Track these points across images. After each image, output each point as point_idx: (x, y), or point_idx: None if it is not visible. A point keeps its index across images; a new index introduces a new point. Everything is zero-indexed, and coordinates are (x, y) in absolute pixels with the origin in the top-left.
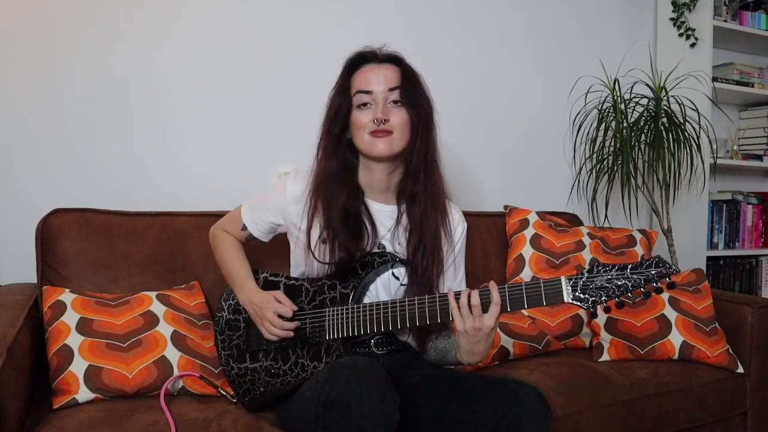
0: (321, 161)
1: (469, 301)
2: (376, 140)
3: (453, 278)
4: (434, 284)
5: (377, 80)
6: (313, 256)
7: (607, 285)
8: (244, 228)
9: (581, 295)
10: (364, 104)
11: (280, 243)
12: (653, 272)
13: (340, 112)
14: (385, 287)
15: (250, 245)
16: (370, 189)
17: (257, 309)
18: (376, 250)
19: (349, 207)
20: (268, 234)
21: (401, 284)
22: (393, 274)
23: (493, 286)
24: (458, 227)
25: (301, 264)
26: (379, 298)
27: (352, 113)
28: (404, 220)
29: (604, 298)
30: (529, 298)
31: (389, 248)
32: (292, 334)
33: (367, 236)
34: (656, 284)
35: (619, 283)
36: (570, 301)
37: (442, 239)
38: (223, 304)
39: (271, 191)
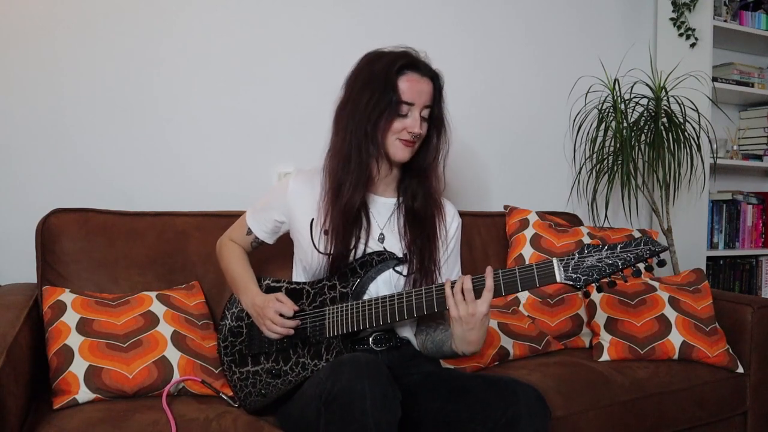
0: (342, 150)
1: (462, 286)
2: (405, 148)
3: (451, 271)
4: (432, 268)
5: (419, 93)
6: (314, 245)
7: (598, 264)
8: (249, 232)
9: (573, 275)
10: (405, 114)
11: (282, 248)
12: (643, 249)
13: (378, 108)
14: (387, 284)
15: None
16: (371, 181)
17: (259, 310)
18: (375, 246)
19: (344, 197)
20: (273, 235)
21: (402, 275)
22: (395, 269)
23: (488, 273)
24: (453, 223)
25: (303, 258)
26: (381, 294)
27: (390, 115)
28: (402, 210)
29: (596, 276)
30: (523, 281)
31: (389, 237)
32: (292, 331)
33: (365, 227)
34: (646, 262)
35: (610, 261)
36: (562, 281)
37: (437, 231)
38: (227, 312)
39: (273, 191)
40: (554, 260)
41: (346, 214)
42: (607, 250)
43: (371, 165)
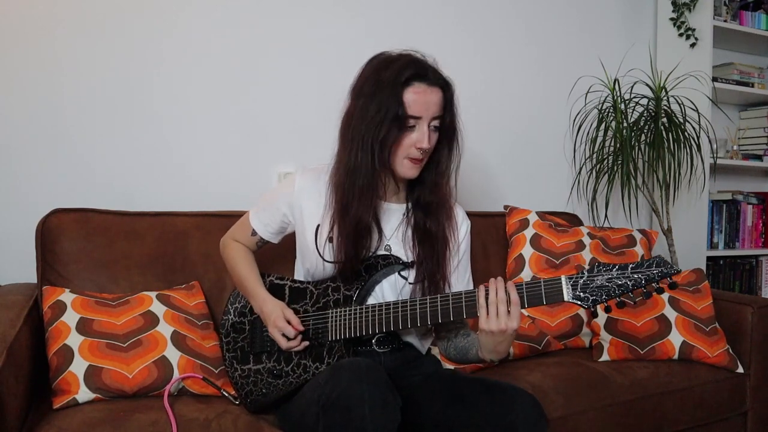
0: (348, 165)
1: (497, 296)
2: (413, 167)
3: (461, 278)
4: (441, 282)
5: (427, 105)
6: (320, 254)
7: (607, 284)
8: (254, 233)
9: (581, 294)
10: (412, 127)
11: (287, 247)
12: (654, 272)
13: (384, 123)
14: (392, 287)
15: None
16: (381, 190)
17: (266, 319)
18: (382, 251)
19: (353, 204)
20: (278, 234)
21: (408, 282)
22: (400, 274)
23: (510, 287)
24: (462, 226)
25: (306, 261)
26: (385, 298)
27: (398, 130)
28: (412, 219)
29: (604, 297)
30: (530, 298)
31: (396, 247)
32: (302, 347)
33: (374, 238)
34: (657, 284)
35: (620, 282)
36: (570, 300)
37: (448, 238)
38: (230, 307)
39: (278, 190)
40: (563, 278)
41: (356, 230)
42: (617, 270)
43: (378, 181)
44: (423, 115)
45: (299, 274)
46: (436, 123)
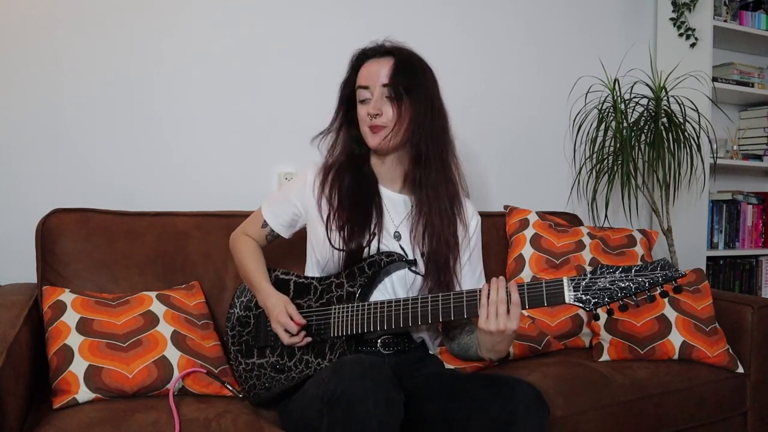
0: (333, 151)
1: (497, 296)
2: (374, 135)
3: (472, 274)
4: (452, 274)
5: (374, 76)
6: (329, 241)
7: (610, 287)
8: (265, 225)
9: (583, 296)
10: (365, 99)
11: (296, 243)
12: (659, 275)
13: (346, 100)
14: (401, 281)
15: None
16: (383, 178)
17: (269, 314)
18: (390, 244)
19: (358, 191)
20: (289, 228)
21: (419, 274)
22: (410, 269)
23: (512, 287)
24: (472, 220)
25: (317, 250)
26: (396, 293)
27: (358, 104)
28: (422, 216)
29: (606, 299)
30: (531, 299)
31: (405, 238)
32: (303, 342)
33: (374, 221)
34: (661, 288)
35: (623, 285)
36: (571, 302)
37: (456, 227)
38: (236, 301)
39: (292, 183)
40: (564, 279)
41: (348, 202)
42: (621, 272)
43: (366, 158)
44: (370, 84)
45: (309, 271)
46: (389, 91)
